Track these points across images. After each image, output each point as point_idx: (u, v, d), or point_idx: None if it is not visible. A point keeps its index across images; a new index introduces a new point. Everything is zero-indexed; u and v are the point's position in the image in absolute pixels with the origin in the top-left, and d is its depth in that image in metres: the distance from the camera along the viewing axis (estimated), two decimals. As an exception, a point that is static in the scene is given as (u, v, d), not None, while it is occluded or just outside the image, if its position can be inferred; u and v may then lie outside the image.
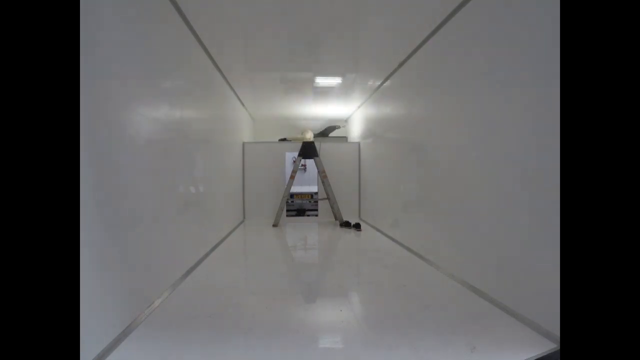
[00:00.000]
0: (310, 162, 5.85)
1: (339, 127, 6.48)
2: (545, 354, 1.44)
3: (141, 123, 1.92)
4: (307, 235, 4.57)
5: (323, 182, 5.34)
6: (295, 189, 6.51)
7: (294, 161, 5.46)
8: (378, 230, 4.64)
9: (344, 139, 6.78)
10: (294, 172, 5.29)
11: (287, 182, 5.36)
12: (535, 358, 1.42)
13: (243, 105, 5.63)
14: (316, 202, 5.94)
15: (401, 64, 3.59)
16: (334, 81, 4.43)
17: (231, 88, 4.57)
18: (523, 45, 1.76)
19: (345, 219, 5.28)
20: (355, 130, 6.24)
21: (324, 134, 6.57)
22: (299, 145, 5.44)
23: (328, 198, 5.35)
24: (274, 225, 5.17)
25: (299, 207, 6.15)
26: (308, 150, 5.35)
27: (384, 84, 4.31)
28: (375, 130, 4.92)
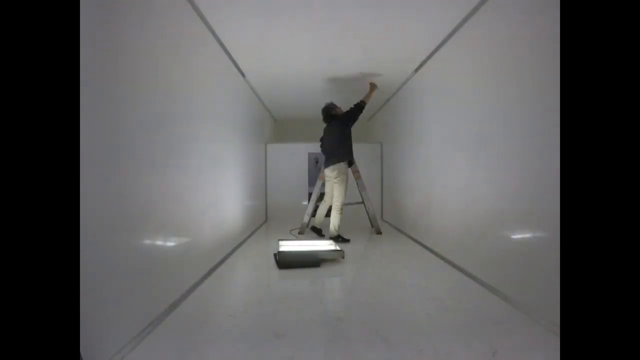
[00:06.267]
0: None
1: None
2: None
3: (162, 122, 1.99)
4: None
5: (357, 184, 4.57)
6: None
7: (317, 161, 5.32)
8: (401, 231, 4.60)
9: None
10: (322, 172, 4.59)
11: (315, 184, 4.71)
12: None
13: (264, 105, 5.70)
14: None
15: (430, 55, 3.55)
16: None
17: (251, 88, 4.63)
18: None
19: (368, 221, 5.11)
20: (378, 131, 6.19)
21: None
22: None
23: (363, 202, 4.60)
24: (300, 233, 4.49)
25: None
26: None
27: (413, 78, 4.26)
28: (400, 129, 4.87)
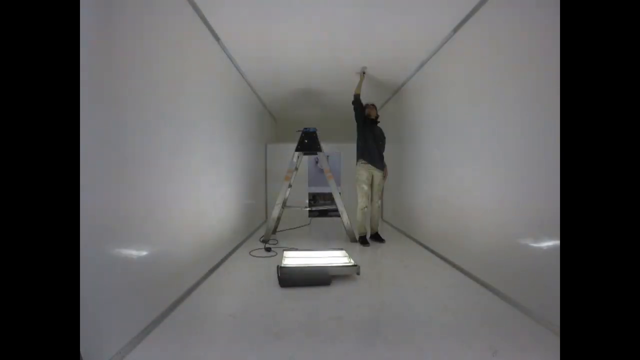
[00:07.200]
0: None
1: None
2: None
3: (161, 122, 1.99)
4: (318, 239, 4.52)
5: (328, 183, 4.17)
6: (317, 189, 6.48)
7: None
8: (401, 231, 4.60)
9: None
10: (289, 171, 4.15)
11: (283, 185, 4.18)
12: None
13: (264, 105, 5.69)
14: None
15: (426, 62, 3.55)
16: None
17: (252, 89, 4.63)
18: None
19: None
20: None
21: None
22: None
23: (336, 206, 4.09)
24: (263, 241, 3.91)
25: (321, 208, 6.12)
26: (309, 143, 4.16)
27: (410, 80, 4.26)
28: (400, 129, 4.86)
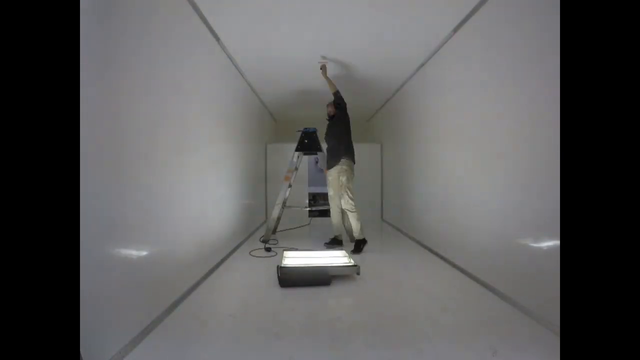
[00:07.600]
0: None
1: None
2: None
3: (162, 122, 1.99)
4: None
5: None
6: (317, 189, 6.46)
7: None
8: (401, 231, 4.60)
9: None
10: (289, 171, 4.14)
11: (282, 185, 4.18)
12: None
13: (264, 106, 5.69)
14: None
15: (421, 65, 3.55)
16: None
17: (252, 89, 4.63)
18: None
19: (368, 221, 4.98)
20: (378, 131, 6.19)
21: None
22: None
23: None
24: (263, 241, 3.91)
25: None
26: (309, 143, 4.14)
27: (408, 83, 4.26)
28: (400, 129, 4.86)
